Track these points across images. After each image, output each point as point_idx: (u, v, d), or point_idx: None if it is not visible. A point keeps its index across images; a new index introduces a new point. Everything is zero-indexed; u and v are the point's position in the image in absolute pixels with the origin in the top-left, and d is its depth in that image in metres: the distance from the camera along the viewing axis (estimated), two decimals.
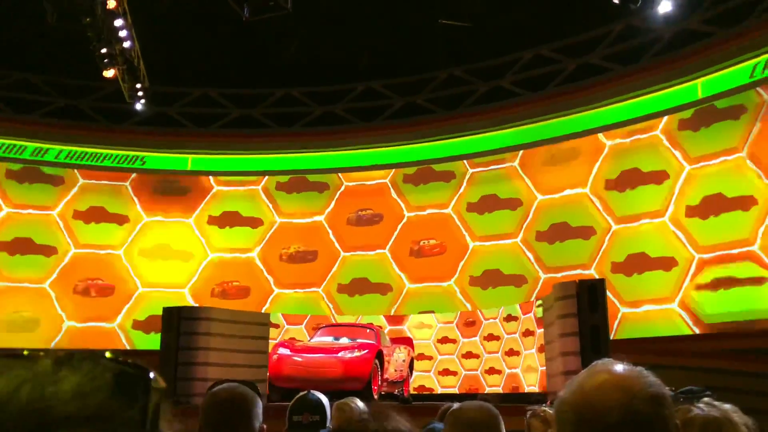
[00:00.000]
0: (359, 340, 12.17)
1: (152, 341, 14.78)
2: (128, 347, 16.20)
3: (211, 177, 17.55)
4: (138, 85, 14.91)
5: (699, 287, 13.08)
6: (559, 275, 14.64)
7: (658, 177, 14.11)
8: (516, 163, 16.11)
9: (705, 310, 12.95)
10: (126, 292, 16.62)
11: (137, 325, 16.40)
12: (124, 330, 16.40)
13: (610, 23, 14.84)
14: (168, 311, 12.71)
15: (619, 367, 1.39)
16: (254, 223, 17.36)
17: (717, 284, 12.83)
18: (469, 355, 15.32)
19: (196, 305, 15.66)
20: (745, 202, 12.76)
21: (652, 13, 11.62)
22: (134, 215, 17.12)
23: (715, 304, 12.81)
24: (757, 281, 12.31)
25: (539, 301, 13.07)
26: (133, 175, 17.28)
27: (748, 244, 12.61)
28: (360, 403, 4.15)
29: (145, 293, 16.64)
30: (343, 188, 17.42)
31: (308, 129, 17.66)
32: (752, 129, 12.85)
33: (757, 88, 12.85)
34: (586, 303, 10.55)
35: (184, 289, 16.82)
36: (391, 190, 17.15)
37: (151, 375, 0.81)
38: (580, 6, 13.94)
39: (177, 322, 12.39)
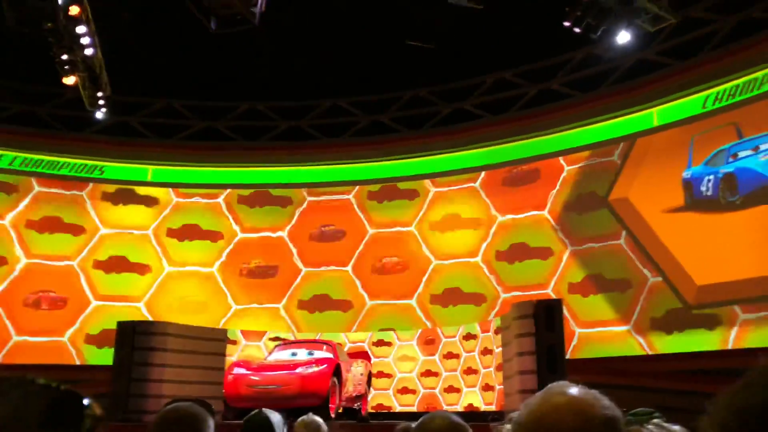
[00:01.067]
0: (317, 356, 12.11)
1: (105, 356, 14.48)
2: (79, 362, 15.82)
3: (171, 189, 17.37)
4: (99, 93, 14.70)
5: (653, 325, 13.37)
6: (517, 294, 14.84)
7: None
8: (477, 184, 16.33)
9: (659, 348, 13.26)
10: (79, 305, 16.25)
11: (90, 339, 16.03)
12: (75, 344, 16.02)
13: (572, 51, 15.23)
14: (122, 325, 12.49)
15: (575, 390, 1.42)
16: (214, 236, 17.21)
17: (669, 323, 13.13)
18: (428, 373, 15.37)
19: (152, 320, 15.40)
20: (696, 228, 13.15)
21: (611, 43, 11.95)
22: (90, 226, 16.80)
23: (667, 345, 13.11)
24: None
25: (497, 320, 13.22)
26: (91, 185, 16.98)
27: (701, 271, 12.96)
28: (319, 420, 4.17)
29: (99, 306, 16.30)
30: (306, 203, 17.40)
31: (273, 143, 17.64)
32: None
33: (708, 119, 13.27)
34: (543, 323, 10.72)
35: (140, 302, 16.54)
36: (355, 206, 17.20)
37: (86, 402, 0.77)
38: (543, 33, 14.26)
39: (131, 337, 12.18)
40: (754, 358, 0.86)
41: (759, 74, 12.58)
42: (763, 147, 12.30)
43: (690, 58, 13.76)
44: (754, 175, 12.32)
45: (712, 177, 12.97)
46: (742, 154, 12.65)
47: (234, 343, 15.09)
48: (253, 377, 11.31)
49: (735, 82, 12.93)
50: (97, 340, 15.88)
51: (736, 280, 12.23)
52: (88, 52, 13.24)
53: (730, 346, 12.21)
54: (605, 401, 1.41)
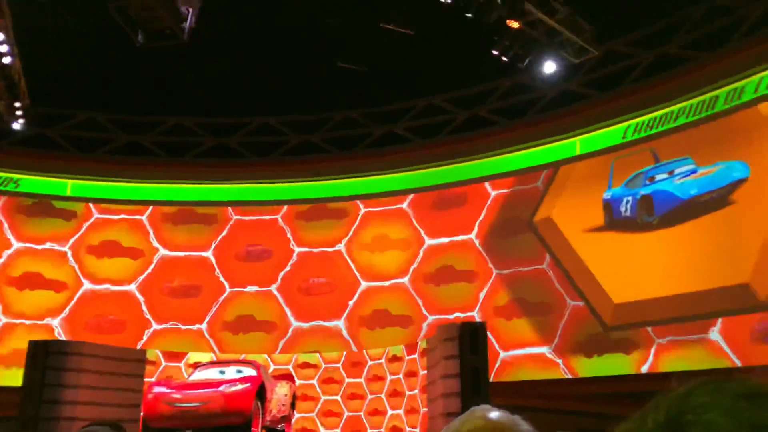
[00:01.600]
0: (241, 374, 11.85)
1: (14, 377, 13.78)
2: None
3: (91, 204, 16.79)
4: (17, 104, 14.14)
5: (574, 348, 13.71)
6: (444, 317, 14.96)
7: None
8: (406, 206, 16.46)
9: (579, 372, 13.60)
10: None
11: None
12: None
13: (500, 79, 15.63)
14: (34, 345, 11.93)
15: (495, 414, 1.43)
16: (136, 254, 16.70)
17: (589, 347, 13.50)
18: (353, 396, 15.26)
19: (66, 339, 14.78)
20: (619, 253, 13.61)
21: (537, 73, 12.33)
22: (2, 241, 16.05)
23: (588, 368, 13.46)
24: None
25: (423, 342, 13.27)
26: (4, 198, 16.25)
27: (621, 296, 13.41)
28: None
29: (10, 324, 15.54)
30: (232, 222, 17.12)
31: (200, 160, 17.33)
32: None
33: (628, 149, 13.83)
34: (468, 345, 10.82)
35: (55, 321, 15.86)
36: (283, 226, 17.03)
37: None
38: (473, 60, 14.58)
39: (43, 357, 11.64)
40: (668, 382, 0.87)
41: (675, 107, 13.21)
42: (677, 170, 12.91)
43: (611, 90, 14.34)
44: (670, 197, 12.92)
45: (630, 198, 13.53)
46: (658, 177, 13.26)
47: (153, 364, 14.62)
48: (174, 395, 10.94)
49: (653, 114, 13.54)
50: (6, 360, 15.11)
51: (651, 298, 12.73)
52: (6, 60, 12.74)
53: (645, 370, 12.63)
54: (524, 426, 1.42)
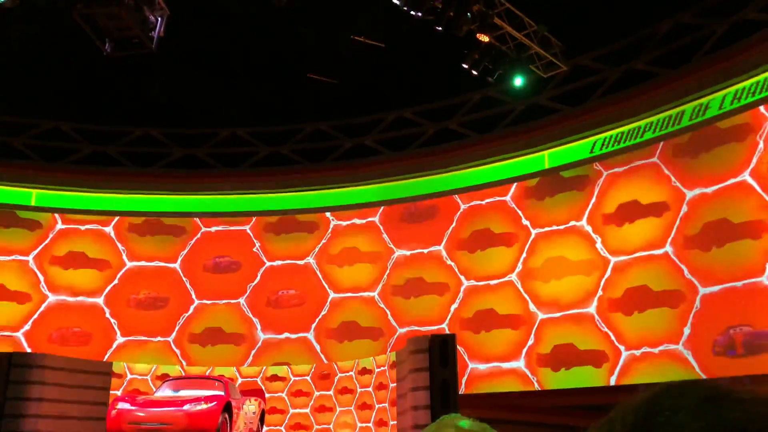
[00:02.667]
0: (206, 392, 11.70)
1: None
2: None
3: (56, 214, 16.50)
4: None
5: (542, 361, 13.81)
6: (413, 329, 14.96)
7: (508, 239, 14.93)
8: (377, 219, 16.46)
9: (547, 384, 13.70)
10: None
11: None
12: None
13: (469, 92, 15.76)
14: None
15: (465, 423, 1.45)
16: (102, 265, 16.43)
17: (558, 359, 13.60)
18: (322, 408, 15.16)
19: (30, 351, 14.47)
20: (585, 267, 13.76)
21: (506, 87, 12.48)
22: None
23: (555, 380, 13.56)
24: (598, 356, 13.20)
25: (393, 354, 13.25)
26: None
27: (585, 305, 13.55)
28: None
29: None
30: (200, 234, 16.95)
31: (167, 170, 17.14)
32: (591, 199, 13.97)
33: (596, 163, 14.03)
34: (437, 358, 10.83)
35: (18, 333, 15.52)
36: (252, 237, 16.91)
37: None
38: (443, 73, 14.71)
39: (6, 370, 11.40)
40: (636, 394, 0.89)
41: (642, 122, 13.44)
42: None
43: (579, 105, 14.55)
44: None
45: None
46: None
47: (120, 377, 14.37)
48: (137, 413, 10.76)
49: (621, 128, 13.75)
50: None
51: None
52: None
53: (613, 383, 12.77)
54: None
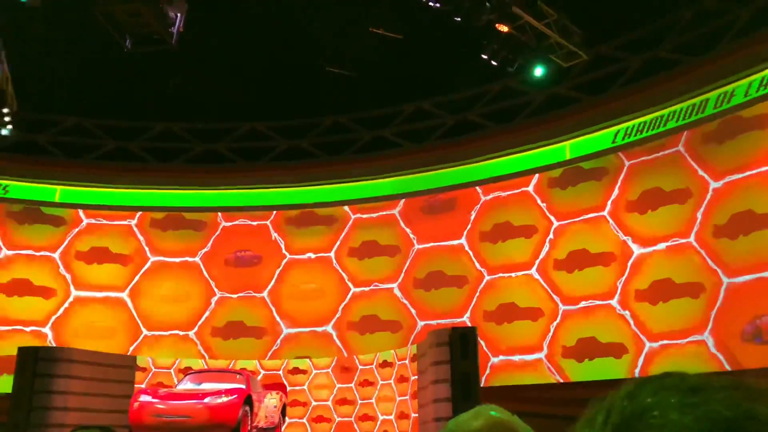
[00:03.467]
0: (227, 386, 11.79)
1: (3, 384, 13.66)
2: None
3: (80, 210, 16.69)
4: (5, 110, 14.05)
5: (565, 353, 13.73)
6: (434, 322, 14.94)
7: (528, 231, 14.83)
8: (396, 212, 16.44)
9: (570, 376, 13.61)
10: None
11: None
12: None
13: (488, 83, 15.64)
14: (23, 351, 11.87)
15: (501, 413, 1.47)
16: (125, 260, 16.60)
17: (581, 352, 13.51)
18: (343, 401, 15.20)
19: (55, 346, 14.67)
20: (606, 258, 13.63)
21: (526, 77, 12.37)
22: None
23: (578, 372, 13.48)
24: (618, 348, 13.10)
25: (414, 347, 13.25)
26: None
27: (608, 297, 13.43)
28: None
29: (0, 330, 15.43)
30: (221, 228, 17.05)
31: (188, 166, 17.25)
32: (613, 190, 13.83)
33: (618, 153, 13.88)
34: (458, 350, 10.80)
35: (44, 327, 15.74)
36: (272, 231, 16.97)
37: None
38: (462, 65, 14.62)
39: (33, 364, 11.57)
40: None
41: (665, 111, 13.26)
42: None
43: (601, 94, 14.38)
44: None
45: None
46: None
47: (144, 370, 14.52)
48: (159, 406, 10.88)
49: (643, 118, 13.57)
50: None
51: None
52: None
53: (637, 374, 12.65)
54: (526, 426, 1.47)
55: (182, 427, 10.42)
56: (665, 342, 12.54)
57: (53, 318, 15.89)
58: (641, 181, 13.50)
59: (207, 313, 16.42)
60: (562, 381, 13.68)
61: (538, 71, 12.39)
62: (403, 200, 16.42)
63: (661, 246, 12.92)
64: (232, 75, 15.80)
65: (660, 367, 12.40)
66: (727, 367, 11.58)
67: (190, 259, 16.75)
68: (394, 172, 16.42)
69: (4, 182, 16.23)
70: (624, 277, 13.31)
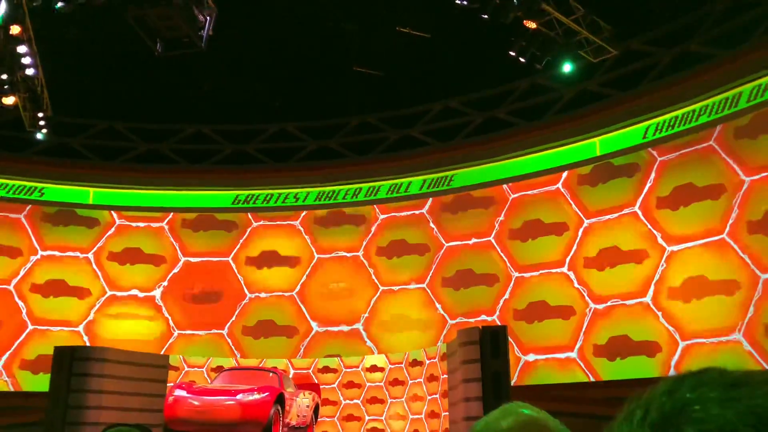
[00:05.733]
0: (259, 383, 11.89)
1: (40, 382, 13.95)
2: (12, 388, 15.22)
3: (113, 211, 16.96)
4: (40, 114, 14.33)
5: (597, 352, 13.60)
6: (463, 321, 14.90)
7: (558, 228, 14.72)
8: (425, 210, 16.42)
9: (602, 375, 13.47)
10: (15, 329, 15.67)
11: (25, 364, 15.45)
12: (9, 370, 15.40)
13: (516, 80, 15.55)
14: (59, 351, 12.08)
15: (530, 410, 1.43)
16: (157, 260, 16.83)
17: (613, 350, 13.36)
18: (374, 400, 15.24)
19: (91, 345, 14.93)
20: (638, 255, 13.47)
21: (555, 74, 12.26)
22: (28, 248, 16.26)
23: (610, 371, 13.33)
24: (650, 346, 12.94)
25: (444, 346, 13.22)
26: (29, 207, 16.47)
27: (640, 295, 13.27)
28: None
29: (36, 331, 15.74)
30: (251, 228, 17.20)
31: (218, 167, 17.44)
32: (644, 186, 13.66)
33: (649, 149, 13.71)
34: (489, 349, 10.76)
35: (79, 327, 16.03)
36: (302, 231, 17.07)
37: None
38: (489, 62, 14.55)
39: (69, 363, 11.78)
40: None
41: (696, 106, 13.06)
42: None
43: (630, 90, 14.20)
44: None
45: None
46: None
47: (176, 369, 14.71)
48: (193, 401, 11.03)
49: (674, 113, 13.38)
50: (32, 366, 15.31)
51: None
52: (29, 72, 12.93)
53: (671, 374, 12.48)
54: (561, 425, 1.44)
55: (215, 423, 10.54)
56: (699, 340, 12.36)
57: (88, 318, 16.17)
58: (673, 177, 13.31)
59: (237, 312, 16.58)
60: (593, 380, 13.55)
61: (567, 67, 12.29)
62: (431, 199, 16.40)
63: (694, 243, 12.73)
64: (261, 76, 15.92)
65: (694, 365, 12.20)
66: (764, 365, 11.38)
67: (221, 259, 16.93)
68: (422, 170, 16.41)
69: (40, 185, 16.56)
70: (656, 275, 13.14)
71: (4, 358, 15.44)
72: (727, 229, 12.30)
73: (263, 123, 17.44)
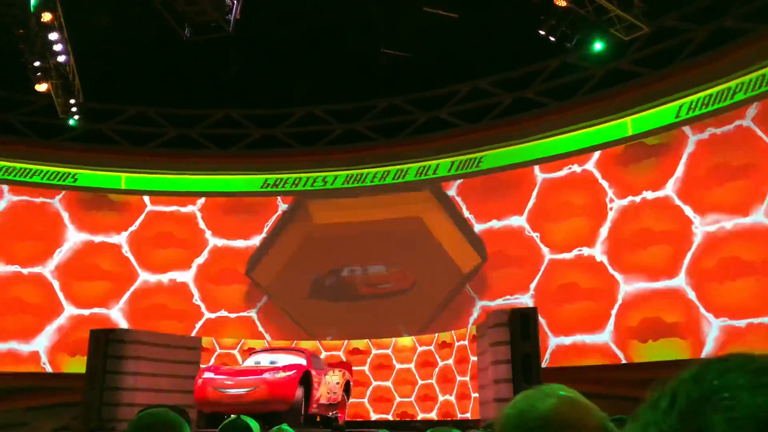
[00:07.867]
0: (286, 362, 12.02)
1: (77, 364, 14.25)
2: (50, 370, 15.58)
3: (145, 196, 17.17)
4: (72, 101, 14.50)
5: (629, 334, 13.47)
6: (493, 303, 14.85)
7: (590, 210, 14.54)
8: (454, 192, 16.34)
9: (633, 357, 13.35)
10: (51, 312, 16.00)
11: (61, 347, 15.79)
12: (47, 352, 15.76)
13: (546, 60, 15.31)
14: (95, 333, 12.33)
15: (565, 392, 1.41)
16: (188, 244, 17.02)
17: (645, 332, 13.22)
18: (403, 381, 15.31)
19: (125, 328, 15.20)
20: (671, 236, 13.26)
21: (585, 52, 12.07)
22: (63, 234, 16.56)
23: (642, 353, 13.20)
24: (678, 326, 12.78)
25: (474, 328, 13.21)
26: (63, 192, 16.74)
27: (673, 276, 13.08)
28: None
29: (72, 314, 16.06)
30: (280, 211, 17.26)
31: (247, 151, 17.52)
32: (677, 166, 13.42)
33: (683, 128, 13.45)
34: (518, 331, 10.73)
35: (112, 310, 16.32)
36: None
37: None
38: (518, 41, 14.34)
39: (104, 345, 12.04)
40: None
41: (731, 83, 12.75)
42: None
43: (663, 68, 13.91)
44: None
45: None
46: None
47: (208, 351, 14.92)
48: (221, 381, 11.22)
49: (708, 91, 13.09)
50: (69, 348, 15.63)
51: None
52: (61, 59, 13.07)
53: (704, 355, 12.32)
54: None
55: (243, 402, 10.70)
56: (733, 322, 12.17)
57: (121, 301, 16.44)
58: (707, 157, 13.05)
59: (266, 297, 16.71)
60: (625, 362, 13.44)
61: (598, 46, 12.07)
62: (460, 180, 16.31)
63: (729, 223, 12.49)
64: (287, 60, 15.91)
65: (728, 347, 12.04)
66: None
67: (250, 243, 17.06)
68: (450, 152, 16.31)
69: (73, 171, 16.81)
70: (689, 256, 12.94)
71: (42, 339, 15.79)
72: (764, 208, 12.05)
73: (291, 107, 17.46)
